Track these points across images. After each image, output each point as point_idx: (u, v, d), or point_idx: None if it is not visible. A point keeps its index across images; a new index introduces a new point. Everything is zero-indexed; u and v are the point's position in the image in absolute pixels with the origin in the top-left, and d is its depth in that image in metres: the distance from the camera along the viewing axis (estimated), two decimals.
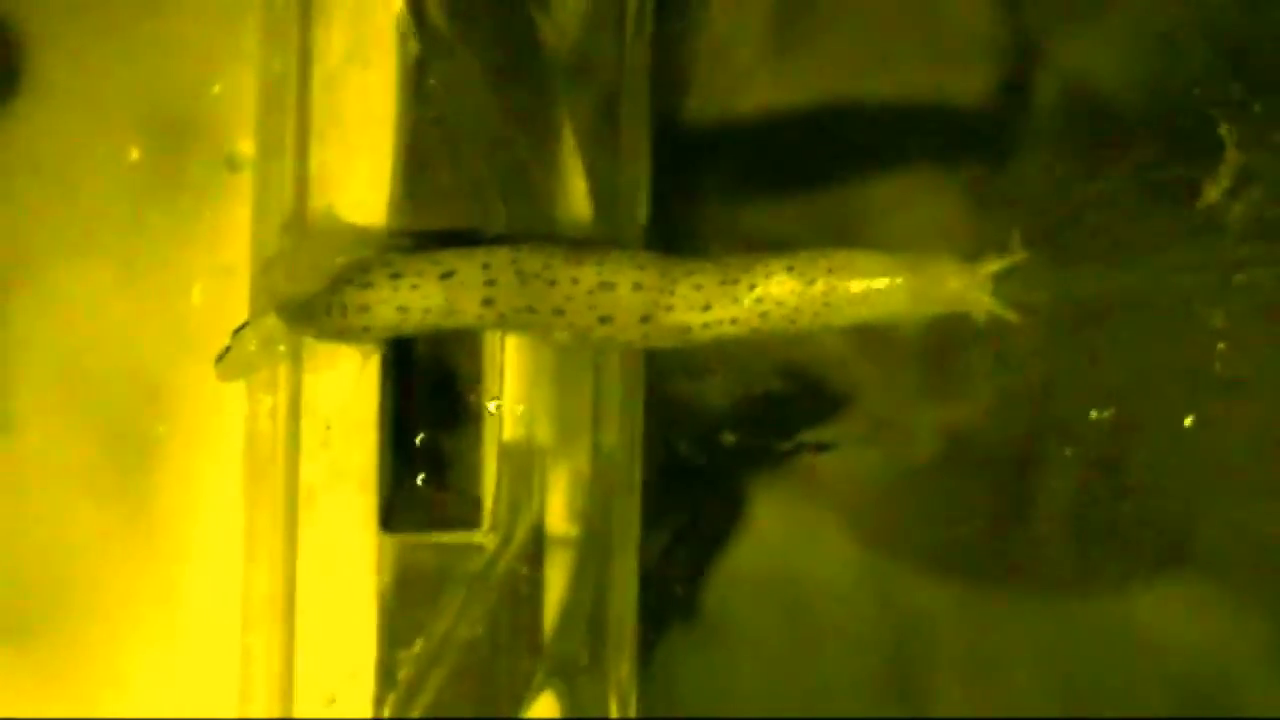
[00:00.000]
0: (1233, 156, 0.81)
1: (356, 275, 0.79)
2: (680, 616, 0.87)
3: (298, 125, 0.82)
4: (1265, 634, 0.85)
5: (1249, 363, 0.82)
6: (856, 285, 0.78)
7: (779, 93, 0.85)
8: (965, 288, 0.78)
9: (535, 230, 0.82)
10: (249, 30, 0.82)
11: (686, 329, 0.78)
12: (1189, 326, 0.82)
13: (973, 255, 0.79)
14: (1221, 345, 0.82)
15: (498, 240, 0.80)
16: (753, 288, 0.78)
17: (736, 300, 0.78)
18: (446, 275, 0.78)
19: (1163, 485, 0.84)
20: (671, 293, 0.77)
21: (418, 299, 0.78)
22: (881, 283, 0.78)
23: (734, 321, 0.78)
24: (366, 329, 0.79)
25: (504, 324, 0.80)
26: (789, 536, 0.87)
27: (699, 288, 0.78)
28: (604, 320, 0.78)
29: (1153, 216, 0.82)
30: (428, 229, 0.83)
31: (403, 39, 0.83)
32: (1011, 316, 0.79)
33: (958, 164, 0.84)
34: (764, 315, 0.78)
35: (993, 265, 0.79)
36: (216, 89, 0.82)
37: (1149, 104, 0.83)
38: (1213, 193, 0.82)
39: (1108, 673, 0.85)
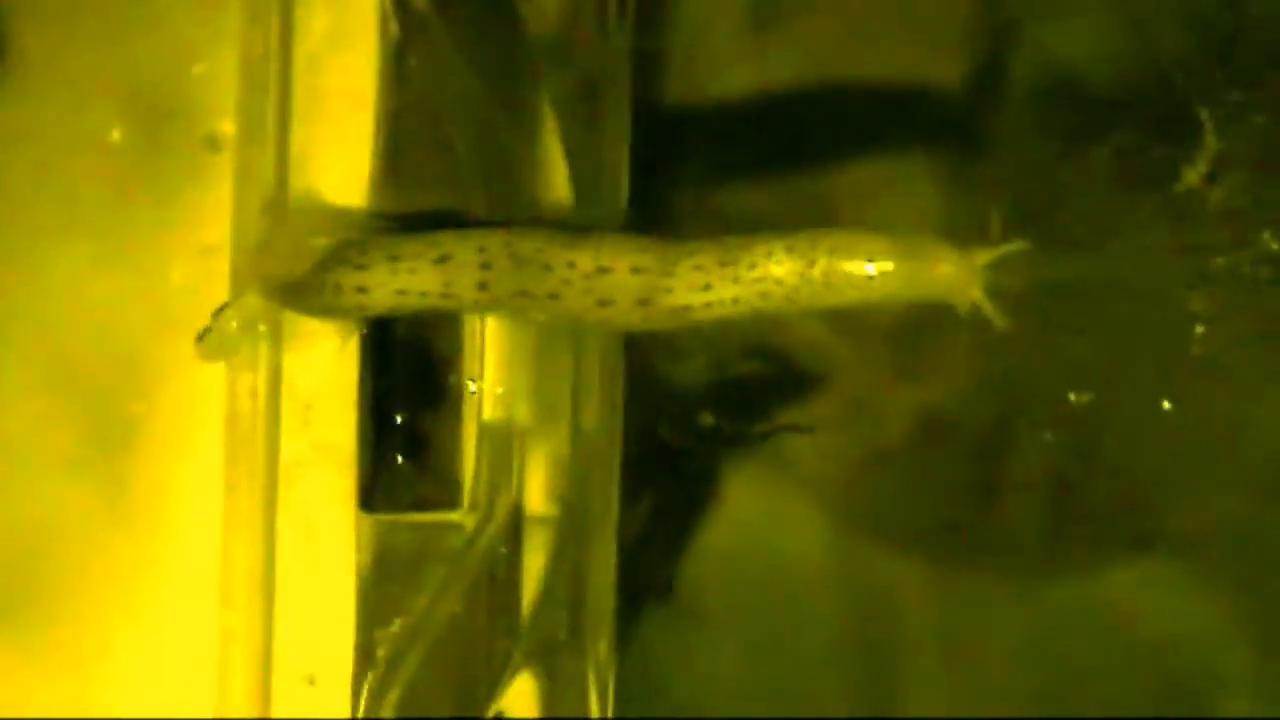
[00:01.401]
0: (1211, 142, 0.83)
1: (353, 256, 0.81)
2: (657, 595, 0.89)
3: (279, 106, 0.84)
4: (1237, 614, 0.88)
5: (1226, 346, 0.84)
6: (857, 267, 0.79)
7: (758, 76, 0.87)
8: (958, 276, 0.80)
9: (516, 212, 0.84)
10: (230, 11, 0.84)
11: (687, 309, 0.79)
12: (1167, 310, 0.85)
13: (956, 239, 0.80)
14: (1199, 329, 0.84)
15: (491, 223, 0.82)
16: (753, 267, 0.79)
17: (737, 280, 0.79)
18: (443, 259, 0.80)
19: (1138, 468, 0.86)
20: (671, 274, 0.79)
21: (416, 282, 0.80)
22: (882, 265, 0.79)
23: (735, 301, 0.79)
24: (362, 309, 0.81)
25: (498, 307, 0.82)
26: (764, 516, 0.89)
27: (699, 268, 0.79)
28: (602, 304, 0.80)
29: (1131, 201, 0.84)
30: (408, 211, 0.85)
31: (384, 21, 0.85)
32: (998, 320, 0.79)
33: (936, 147, 0.86)
34: (764, 295, 0.79)
35: (987, 255, 0.80)
36: (197, 69, 0.84)
37: (1128, 88, 0.85)
38: (1191, 177, 0.84)
39: (1080, 652, 0.88)
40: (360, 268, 0.80)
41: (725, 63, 0.87)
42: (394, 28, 0.85)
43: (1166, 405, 0.84)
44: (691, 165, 0.88)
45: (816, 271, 0.79)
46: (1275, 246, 0.83)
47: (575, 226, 0.82)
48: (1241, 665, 0.87)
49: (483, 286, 0.80)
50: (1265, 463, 0.86)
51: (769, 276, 0.79)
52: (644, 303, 0.79)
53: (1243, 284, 0.83)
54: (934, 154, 0.86)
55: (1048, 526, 0.88)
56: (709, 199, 0.87)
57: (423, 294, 0.80)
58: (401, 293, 0.80)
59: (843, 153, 0.87)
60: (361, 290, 0.80)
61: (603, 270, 0.79)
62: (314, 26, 0.84)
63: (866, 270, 0.79)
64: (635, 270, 0.79)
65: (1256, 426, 0.86)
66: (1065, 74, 0.86)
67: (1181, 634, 0.87)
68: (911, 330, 0.87)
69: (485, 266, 0.80)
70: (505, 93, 0.85)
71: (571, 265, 0.79)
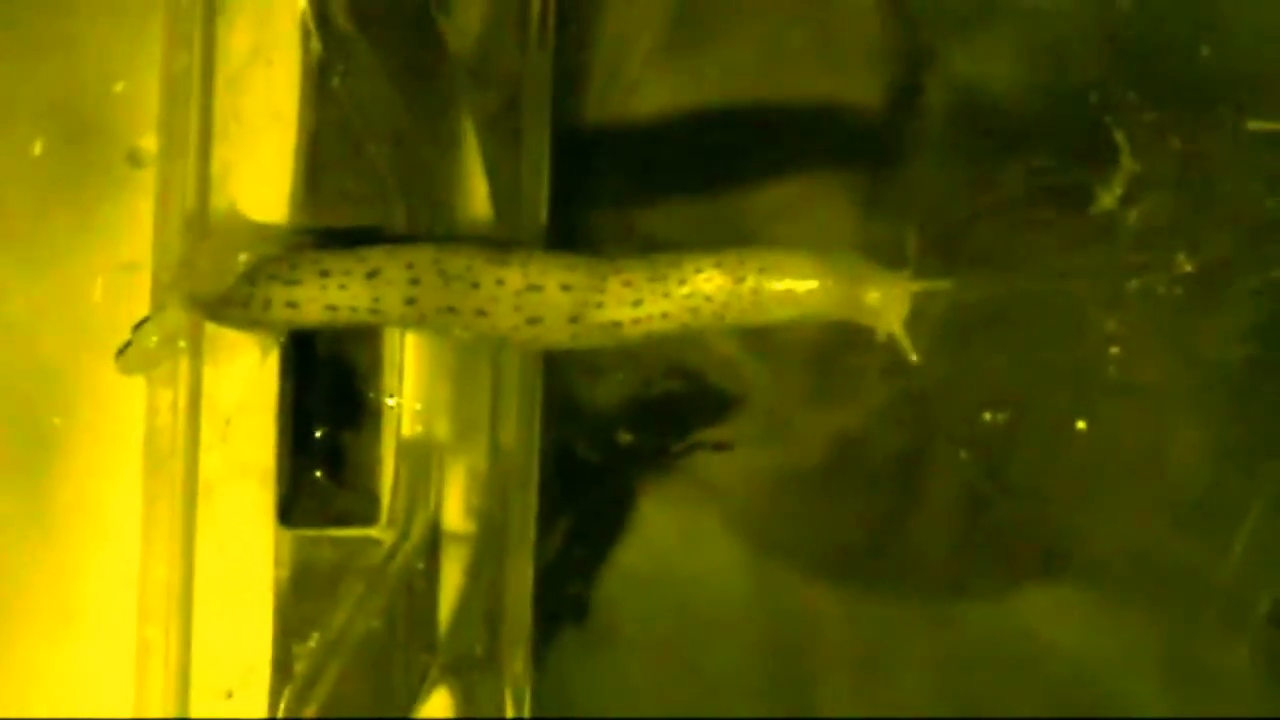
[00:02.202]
0: (1127, 163, 0.85)
1: (284, 271, 0.82)
2: (573, 614, 0.91)
3: (201, 122, 0.86)
4: (1143, 640, 0.89)
5: (1141, 368, 0.86)
6: (786, 285, 0.81)
7: (676, 96, 0.89)
8: (883, 304, 0.81)
9: (436, 229, 0.86)
10: (153, 28, 0.85)
11: (617, 325, 0.81)
12: (1082, 331, 0.86)
13: (883, 262, 0.81)
14: (1114, 350, 0.86)
15: (420, 238, 0.83)
16: (683, 283, 0.81)
17: (667, 295, 0.81)
18: (372, 274, 0.81)
19: (1051, 489, 0.87)
20: (601, 290, 0.81)
21: (345, 298, 0.82)
22: (810, 284, 0.81)
23: (664, 316, 0.81)
24: (291, 323, 0.83)
25: (425, 323, 0.83)
26: (679, 537, 0.91)
27: (629, 284, 0.81)
28: (532, 321, 0.81)
29: (1046, 223, 0.86)
30: (329, 227, 0.86)
31: (306, 38, 0.86)
32: (911, 355, 0.81)
33: (851, 170, 0.88)
34: (694, 310, 0.81)
35: (913, 285, 0.81)
36: (120, 86, 0.86)
37: (1043, 110, 0.87)
38: (1107, 199, 0.85)
39: (993, 675, 0.89)
40: (291, 283, 0.82)
41: (644, 83, 0.89)
42: (316, 45, 0.86)
43: (1081, 425, 0.86)
44: (610, 183, 0.89)
45: (746, 289, 0.81)
46: (1190, 268, 0.84)
47: (501, 243, 0.84)
48: (1151, 690, 0.89)
49: (410, 302, 0.81)
50: (1177, 485, 0.88)
51: (699, 293, 0.81)
52: (574, 319, 0.81)
53: (1157, 305, 0.85)
54: (850, 175, 0.88)
55: (962, 548, 0.89)
56: (626, 217, 0.89)
57: (352, 309, 0.82)
58: (331, 308, 0.82)
59: (760, 172, 0.88)
60: (292, 305, 0.82)
61: (533, 288, 0.81)
62: (236, 43, 0.86)
63: (794, 289, 0.81)
64: (565, 287, 0.81)
65: (1169, 447, 0.87)
66: (981, 96, 0.87)
67: (1092, 658, 0.89)
68: (828, 350, 0.88)
69: (413, 282, 0.81)
70: (426, 110, 0.87)
71: (500, 282, 0.81)
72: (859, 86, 0.87)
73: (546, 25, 0.87)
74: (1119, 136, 0.84)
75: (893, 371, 0.87)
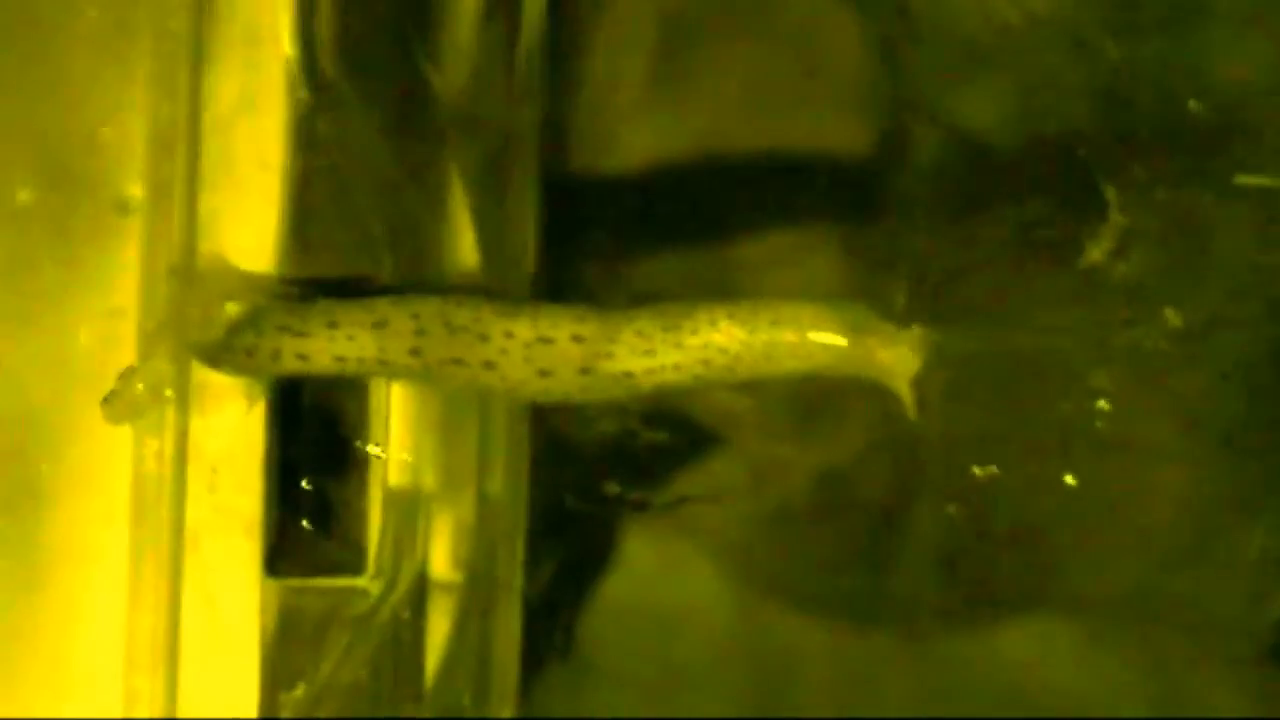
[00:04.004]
0: (1116, 218, 0.86)
1: (293, 323, 0.84)
2: (560, 659, 0.92)
3: (187, 170, 0.87)
4: (1131, 676, 0.91)
5: (1128, 422, 0.88)
6: (799, 338, 0.82)
7: (662, 144, 0.90)
8: (892, 364, 0.82)
9: (423, 279, 0.87)
10: (139, 75, 0.87)
11: (629, 375, 0.82)
12: (1070, 385, 0.88)
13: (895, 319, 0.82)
14: (1102, 404, 0.88)
15: (427, 289, 0.85)
16: (696, 333, 0.82)
17: (680, 345, 0.82)
18: (379, 325, 0.83)
19: (1038, 536, 0.89)
20: (614, 340, 0.82)
21: (354, 349, 0.83)
22: (823, 339, 0.82)
23: (676, 368, 0.82)
24: (300, 374, 0.85)
25: (429, 375, 0.84)
26: (665, 574, 0.93)
27: (641, 334, 0.82)
28: (543, 374, 0.82)
29: (1035, 276, 0.88)
30: (316, 276, 0.88)
31: (293, 87, 0.87)
32: (911, 412, 0.82)
33: (839, 219, 0.89)
34: (706, 362, 0.82)
35: (925, 345, 0.82)
36: (106, 133, 0.87)
37: (1033, 163, 0.88)
38: (1095, 253, 0.87)
39: (976, 712, 0.91)
40: (301, 335, 0.83)
41: (631, 131, 0.90)
42: (303, 94, 0.88)
43: (1069, 480, 0.88)
44: (597, 233, 0.91)
45: (759, 340, 0.82)
46: (1178, 323, 0.86)
47: (511, 296, 0.85)
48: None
49: (415, 353, 0.83)
50: (1164, 533, 0.90)
51: (712, 344, 0.82)
52: (585, 371, 0.82)
53: (1145, 360, 0.87)
54: (836, 227, 0.89)
55: (947, 585, 0.91)
56: (614, 266, 0.91)
57: (360, 360, 0.83)
58: (340, 359, 0.83)
59: (745, 222, 0.90)
60: (302, 357, 0.83)
61: (543, 340, 0.82)
62: (223, 91, 0.88)
63: (808, 342, 0.82)
64: (577, 339, 0.82)
65: (1158, 500, 0.89)
66: (969, 147, 0.89)
67: (1079, 693, 0.91)
68: (816, 396, 0.90)
69: (419, 333, 0.83)
70: (413, 160, 0.89)
71: (509, 335, 0.82)
72: (848, 135, 0.89)
73: (534, 74, 0.89)
74: (1108, 190, 0.86)
75: (880, 419, 0.89)
